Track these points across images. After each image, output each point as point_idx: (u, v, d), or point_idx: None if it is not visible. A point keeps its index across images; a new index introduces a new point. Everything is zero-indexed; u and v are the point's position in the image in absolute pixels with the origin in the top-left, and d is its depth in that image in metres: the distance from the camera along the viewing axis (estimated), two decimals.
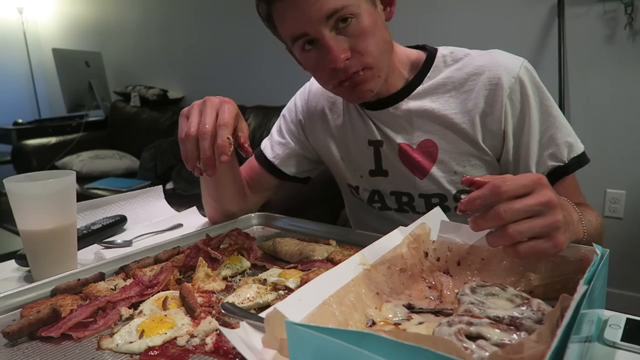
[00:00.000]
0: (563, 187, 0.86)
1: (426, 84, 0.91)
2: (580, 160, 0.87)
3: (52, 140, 3.67)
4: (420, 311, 0.60)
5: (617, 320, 0.59)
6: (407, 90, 0.92)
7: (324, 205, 2.19)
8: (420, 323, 0.57)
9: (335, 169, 1.08)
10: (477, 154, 0.90)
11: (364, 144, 0.99)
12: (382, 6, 0.84)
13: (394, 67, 0.90)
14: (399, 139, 0.94)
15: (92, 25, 4.37)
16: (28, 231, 0.80)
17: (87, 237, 0.96)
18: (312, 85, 1.08)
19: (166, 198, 1.23)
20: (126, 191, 1.17)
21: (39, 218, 0.79)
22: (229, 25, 3.38)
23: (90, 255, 0.91)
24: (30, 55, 4.72)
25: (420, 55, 0.94)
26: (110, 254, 0.90)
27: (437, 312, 0.60)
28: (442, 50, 0.92)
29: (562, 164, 0.86)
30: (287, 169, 1.08)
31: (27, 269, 0.86)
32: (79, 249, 0.90)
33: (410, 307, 0.61)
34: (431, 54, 0.92)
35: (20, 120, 4.03)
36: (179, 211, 1.19)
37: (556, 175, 0.86)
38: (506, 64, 0.86)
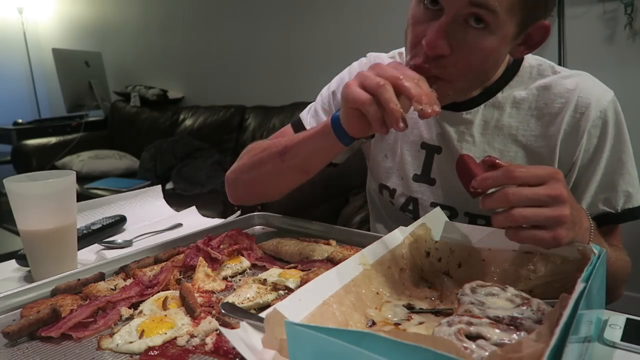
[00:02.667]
0: (607, 233, 0.82)
1: (506, 92, 0.83)
2: (634, 214, 0.82)
3: (52, 140, 3.67)
4: (420, 311, 0.61)
5: (616, 320, 0.59)
6: (485, 95, 0.83)
7: (324, 205, 2.19)
8: (420, 323, 0.57)
9: (374, 165, 0.98)
10: None
11: (417, 145, 0.90)
12: (522, 40, 0.74)
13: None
14: (463, 149, 0.85)
15: (92, 25, 4.37)
16: (28, 231, 0.80)
17: (87, 237, 0.96)
18: (370, 64, 0.99)
19: (166, 198, 1.23)
20: (126, 191, 1.17)
21: (39, 218, 0.80)
22: (229, 25, 3.38)
23: (91, 255, 0.91)
24: (30, 55, 4.72)
25: (508, 57, 0.84)
26: (112, 254, 0.90)
27: (437, 312, 0.60)
28: (530, 60, 0.84)
29: (613, 212, 0.82)
30: None
31: (28, 269, 0.86)
32: (79, 249, 0.90)
33: (410, 307, 0.61)
34: (517, 60, 0.84)
35: (20, 120, 4.03)
36: (178, 211, 1.19)
37: (605, 221, 0.82)
38: (597, 94, 0.80)
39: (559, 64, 2.31)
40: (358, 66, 0.99)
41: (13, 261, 0.89)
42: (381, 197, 1.00)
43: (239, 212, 1.11)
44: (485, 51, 0.70)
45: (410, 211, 0.94)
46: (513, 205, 0.57)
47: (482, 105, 0.83)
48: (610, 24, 2.03)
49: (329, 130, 0.74)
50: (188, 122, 3.44)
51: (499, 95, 0.83)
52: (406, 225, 0.71)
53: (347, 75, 1.00)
